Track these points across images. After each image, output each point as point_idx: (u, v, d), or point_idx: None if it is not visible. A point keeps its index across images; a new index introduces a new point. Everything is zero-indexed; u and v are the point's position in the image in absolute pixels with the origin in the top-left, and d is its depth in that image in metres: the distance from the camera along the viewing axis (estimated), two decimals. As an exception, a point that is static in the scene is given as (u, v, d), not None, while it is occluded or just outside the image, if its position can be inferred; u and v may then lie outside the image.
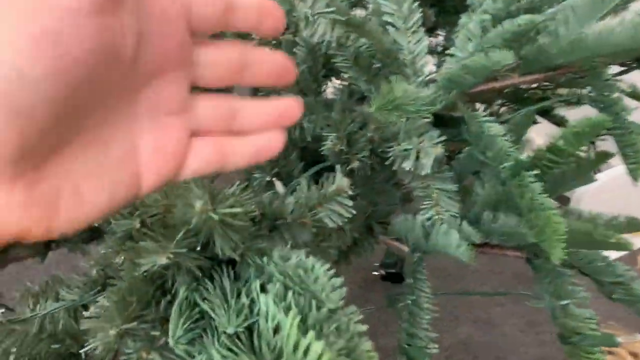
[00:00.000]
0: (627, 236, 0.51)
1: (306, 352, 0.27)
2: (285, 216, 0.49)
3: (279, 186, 0.54)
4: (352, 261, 0.70)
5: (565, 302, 0.49)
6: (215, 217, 0.34)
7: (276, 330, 0.31)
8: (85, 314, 0.41)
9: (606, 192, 1.29)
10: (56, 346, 0.54)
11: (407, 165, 0.58)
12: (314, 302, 0.33)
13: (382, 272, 1.06)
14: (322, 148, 0.60)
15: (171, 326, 0.34)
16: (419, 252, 0.59)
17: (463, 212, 0.61)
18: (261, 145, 0.34)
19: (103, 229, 0.57)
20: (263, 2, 0.31)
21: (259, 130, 0.34)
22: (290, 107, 0.35)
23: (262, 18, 0.31)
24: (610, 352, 1.12)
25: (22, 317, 0.54)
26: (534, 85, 0.80)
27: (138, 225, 0.44)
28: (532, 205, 0.44)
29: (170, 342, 0.34)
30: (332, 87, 0.86)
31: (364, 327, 0.34)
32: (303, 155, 0.78)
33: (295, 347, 0.28)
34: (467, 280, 1.33)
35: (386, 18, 0.67)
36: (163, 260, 0.35)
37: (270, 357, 0.30)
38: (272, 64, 0.34)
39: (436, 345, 0.53)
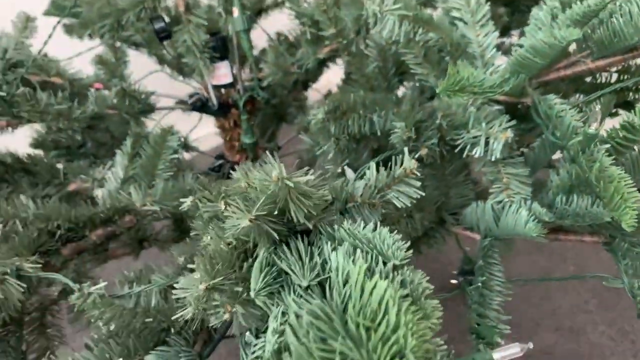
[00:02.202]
0: None
1: (371, 293, 0.29)
2: (355, 199, 0.52)
3: (349, 172, 0.57)
4: (423, 251, 0.71)
5: (644, 280, 0.47)
6: (290, 184, 0.38)
7: (345, 282, 0.34)
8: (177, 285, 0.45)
9: None
10: (149, 320, 0.60)
11: (477, 151, 0.60)
12: (380, 259, 0.36)
13: (461, 279, 1.06)
14: (391, 137, 0.63)
15: (252, 280, 0.38)
16: (491, 237, 0.60)
17: (536, 199, 0.60)
18: None
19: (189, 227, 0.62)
20: None
21: None
22: None
23: None
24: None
25: (119, 293, 0.61)
26: (613, 78, 0.78)
27: (223, 207, 0.49)
28: (601, 176, 0.44)
29: (251, 293, 0.37)
30: (403, 89, 0.88)
31: (430, 286, 0.36)
32: (375, 154, 0.81)
33: (362, 289, 0.30)
34: (550, 290, 1.28)
35: (454, 14, 0.69)
36: (246, 222, 0.39)
37: (340, 302, 0.32)
38: None
39: (507, 327, 0.53)
